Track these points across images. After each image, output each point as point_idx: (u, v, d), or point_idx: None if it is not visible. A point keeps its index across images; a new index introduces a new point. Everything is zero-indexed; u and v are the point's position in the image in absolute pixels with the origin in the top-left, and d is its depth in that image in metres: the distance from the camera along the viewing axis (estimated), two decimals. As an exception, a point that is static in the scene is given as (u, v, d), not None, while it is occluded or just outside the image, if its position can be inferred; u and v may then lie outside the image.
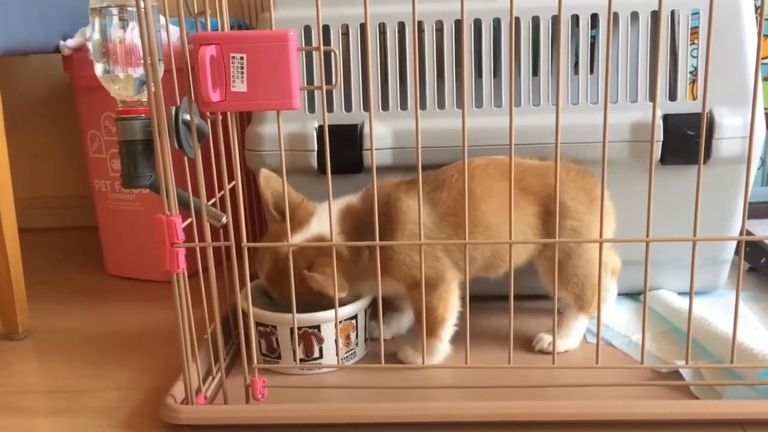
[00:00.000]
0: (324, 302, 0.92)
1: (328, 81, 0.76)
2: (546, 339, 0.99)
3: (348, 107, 1.06)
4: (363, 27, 1.03)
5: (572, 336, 1.00)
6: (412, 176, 0.92)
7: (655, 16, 1.00)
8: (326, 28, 1.03)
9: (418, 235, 0.85)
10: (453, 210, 0.93)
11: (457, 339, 0.95)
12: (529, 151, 1.00)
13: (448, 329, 0.95)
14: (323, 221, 0.91)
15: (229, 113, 0.76)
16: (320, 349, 0.96)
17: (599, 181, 0.79)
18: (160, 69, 0.76)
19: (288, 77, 0.73)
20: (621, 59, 1.03)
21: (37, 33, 1.29)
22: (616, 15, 1.02)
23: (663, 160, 1.02)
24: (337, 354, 0.93)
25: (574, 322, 1.00)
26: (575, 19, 1.02)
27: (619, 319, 1.10)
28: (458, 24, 1.03)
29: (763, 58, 1.50)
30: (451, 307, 0.95)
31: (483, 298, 0.99)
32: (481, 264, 0.97)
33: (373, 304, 0.99)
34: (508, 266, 0.93)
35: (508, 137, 0.76)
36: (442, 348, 0.96)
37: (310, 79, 1.06)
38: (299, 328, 0.93)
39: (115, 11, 0.83)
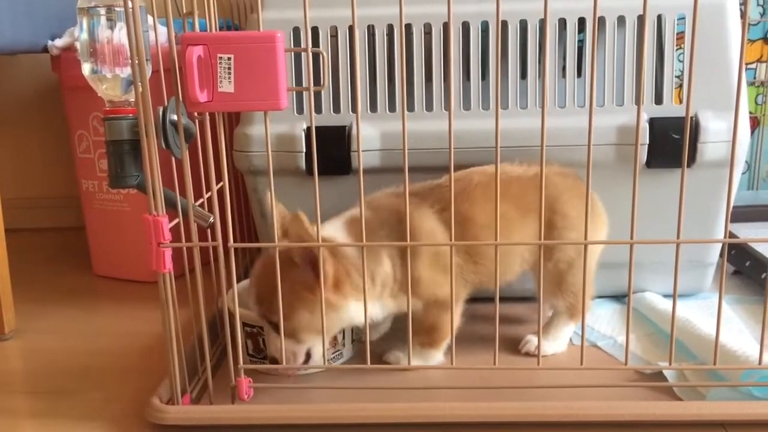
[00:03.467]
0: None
1: (317, 82, 0.76)
2: (534, 341, 1.00)
3: (336, 109, 1.06)
4: (351, 29, 1.03)
5: (560, 339, 1.01)
6: (413, 186, 0.92)
7: (641, 20, 1.01)
8: (315, 30, 1.03)
9: (439, 255, 0.87)
10: (462, 236, 0.90)
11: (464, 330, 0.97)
12: (516, 154, 1.00)
13: (448, 341, 0.94)
14: (332, 227, 0.90)
15: (216, 114, 0.76)
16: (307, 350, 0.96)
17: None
18: (148, 69, 0.76)
19: (275, 78, 0.73)
20: (608, 63, 1.04)
21: (25, 33, 1.28)
22: (602, 19, 1.03)
23: (648, 164, 1.03)
24: (323, 355, 0.93)
25: (564, 327, 1.00)
26: (563, 22, 1.03)
27: (604, 320, 1.10)
28: (446, 27, 1.04)
29: (747, 63, 1.51)
30: (456, 325, 0.93)
31: (470, 299, 0.99)
32: (486, 279, 0.95)
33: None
34: (507, 276, 0.96)
35: (495, 140, 0.77)
36: (439, 357, 0.96)
37: (299, 81, 1.06)
38: (286, 329, 0.93)
39: (102, 11, 0.83)
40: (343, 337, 0.98)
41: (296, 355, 0.88)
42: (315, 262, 0.82)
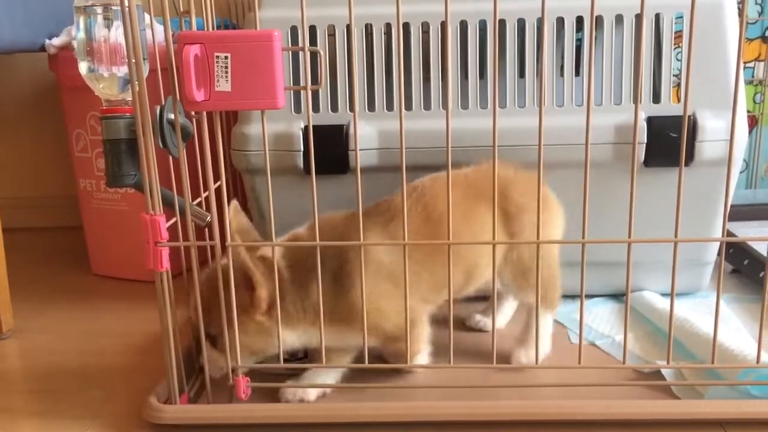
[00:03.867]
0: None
1: (314, 81, 0.76)
2: (520, 354, 0.95)
3: (334, 107, 1.06)
4: (349, 28, 1.03)
5: (544, 340, 0.95)
6: (367, 206, 0.88)
7: (639, 19, 1.01)
8: (313, 29, 1.03)
9: (382, 275, 0.83)
10: (424, 242, 0.86)
11: (440, 340, 0.95)
12: (514, 153, 1.00)
13: (425, 352, 0.92)
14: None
15: (214, 113, 0.76)
16: (305, 349, 0.96)
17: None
18: (145, 68, 0.76)
19: (272, 77, 0.73)
20: (605, 62, 1.04)
21: (23, 31, 1.28)
22: (600, 18, 1.03)
23: (646, 162, 1.03)
24: (322, 354, 0.92)
25: (544, 323, 0.95)
26: (560, 21, 1.03)
27: (602, 319, 1.10)
28: (444, 25, 1.04)
29: (745, 62, 1.51)
30: (424, 339, 0.90)
31: (468, 298, 0.99)
32: (456, 288, 0.90)
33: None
34: (480, 283, 0.93)
35: (492, 138, 0.77)
36: (423, 358, 0.92)
37: (296, 80, 1.06)
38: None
39: (99, 10, 0.83)
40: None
41: (224, 369, 0.86)
42: (251, 285, 0.81)
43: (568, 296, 1.00)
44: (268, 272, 0.81)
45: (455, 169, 0.94)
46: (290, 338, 0.86)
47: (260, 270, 0.81)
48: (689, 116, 1.00)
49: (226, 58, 0.72)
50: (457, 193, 0.85)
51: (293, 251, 0.86)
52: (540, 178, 0.78)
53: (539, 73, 1.02)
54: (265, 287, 0.81)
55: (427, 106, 1.05)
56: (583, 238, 0.79)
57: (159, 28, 1.16)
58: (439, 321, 0.93)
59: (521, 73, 1.06)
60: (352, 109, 1.04)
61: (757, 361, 0.83)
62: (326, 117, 1.05)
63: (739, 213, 1.32)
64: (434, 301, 0.91)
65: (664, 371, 0.90)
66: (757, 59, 1.54)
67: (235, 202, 0.87)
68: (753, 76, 1.55)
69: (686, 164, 0.77)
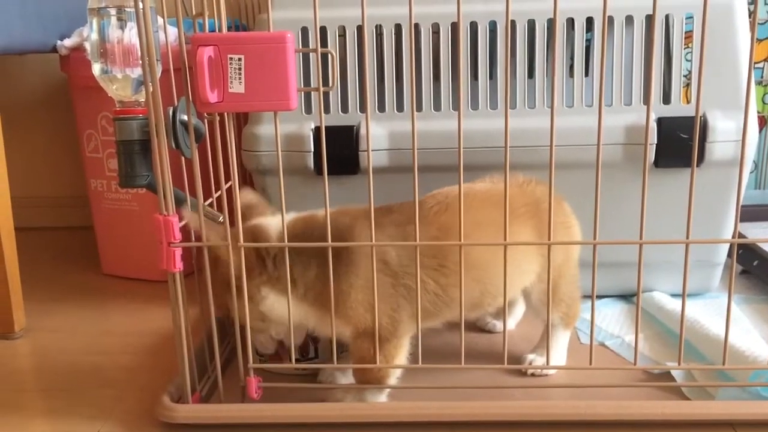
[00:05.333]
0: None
1: (325, 83, 0.77)
2: (535, 360, 0.95)
3: (344, 108, 1.06)
4: (360, 29, 1.03)
5: (559, 353, 0.96)
6: (390, 204, 0.88)
7: (650, 19, 1.01)
8: (323, 30, 1.04)
9: (383, 273, 0.80)
10: (430, 249, 0.83)
11: (450, 343, 0.96)
12: (524, 154, 1.00)
13: (389, 380, 0.86)
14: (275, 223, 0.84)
15: (226, 114, 0.77)
16: (316, 349, 0.96)
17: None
18: (158, 69, 0.77)
19: (285, 78, 0.73)
20: (616, 62, 1.04)
21: (35, 32, 1.29)
22: (611, 18, 1.03)
23: (657, 163, 1.03)
24: (332, 354, 0.93)
25: (560, 339, 0.96)
26: (570, 22, 1.03)
27: (612, 320, 1.11)
28: (454, 26, 1.04)
29: (755, 62, 1.51)
30: (399, 359, 0.84)
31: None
32: (468, 305, 0.86)
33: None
34: (500, 302, 0.89)
35: (503, 139, 0.77)
36: (380, 398, 0.86)
37: (307, 81, 1.07)
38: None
39: (113, 11, 0.83)
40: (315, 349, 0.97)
41: (267, 343, 0.87)
42: (215, 260, 0.81)
43: (578, 296, 1.00)
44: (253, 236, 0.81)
45: (466, 172, 0.93)
46: (280, 306, 0.82)
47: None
48: (700, 117, 1.00)
49: (239, 59, 0.72)
50: (491, 213, 0.84)
51: (306, 222, 0.84)
52: (552, 178, 0.78)
53: (550, 73, 1.02)
54: (230, 255, 0.79)
55: (437, 107, 1.05)
56: (595, 239, 0.80)
57: (171, 30, 1.17)
58: (449, 323, 0.92)
59: (530, 74, 1.06)
60: (363, 110, 1.05)
61: (768, 363, 0.83)
62: (336, 118, 1.06)
63: (748, 213, 1.31)
64: (430, 322, 0.87)
65: (674, 372, 0.90)
66: (766, 60, 1.54)
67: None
68: (762, 77, 1.55)
69: (697, 165, 0.77)
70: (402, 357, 0.85)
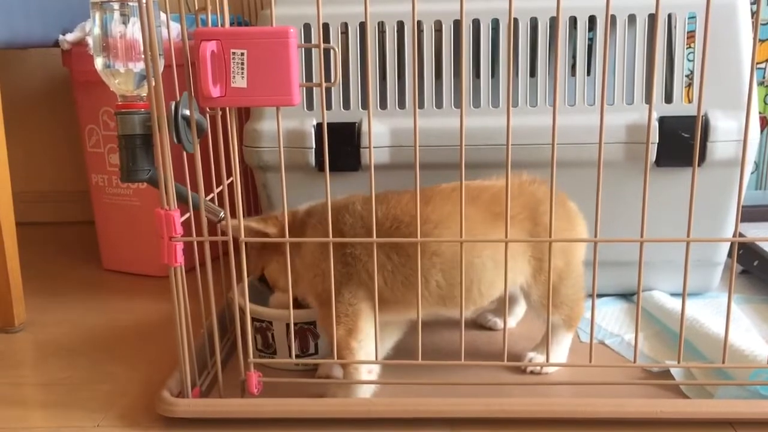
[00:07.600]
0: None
1: (327, 79, 0.77)
2: (536, 358, 0.95)
3: (346, 105, 1.07)
4: (363, 26, 1.03)
5: (560, 352, 0.96)
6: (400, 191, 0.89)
7: (652, 19, 1.01)
8: (325, 26, 1.04)
9: (311, 255, 0.87)
10: (387, 231, 0.84)
11: (450, 340, 0.96)
12: (525, 152, 1.00)
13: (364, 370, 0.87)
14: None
15: (228, 109, 0.77)
16: (316, 345, 0.96)
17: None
18: (161, 64, 0.77)
19: (288, 74, 0.73)
20: (618, 61, 1.04)
21: (37, 27, 1.29)
22: (613, 17, 1.03)
23: (658, 162, 1.03)
24: (333, 350, 0.93)
25: (563, 340, 0.96)
26: (573, 21, 1.03)
27: (611, 318, 1.11)
28: (457, 24, 1.04)
29: (757, 63, 1.51)
30: (363, 355, 0.85)
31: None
32: (435, 296, 0.86)
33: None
34: (484, 301, 0.89)
35: (505, 137, 0.77)
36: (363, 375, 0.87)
37: (309, 77, 1.07)
38: (295, 324, 0.94)
39: (116, 6, 0.83)
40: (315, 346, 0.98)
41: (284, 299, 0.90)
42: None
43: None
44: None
45: (468, 170, 0.93)
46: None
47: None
48: (701, 117, 1.00)
49: (242, 54, 0.72)
50: (468, 208, 0.83)
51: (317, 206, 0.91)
52: (553, 176, 0.78)
53: (552, 72, 1.02)
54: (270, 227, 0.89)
55: (439, 104, 1.05)
56: (596, 236, 0.80)
57: (173, 25, 1.17)
58: (449, 321, 0.92)
59: (533, 72, 1.06)
60: (365, 106, 1.05)
61: (768, 362, 0.84)
62: (338, 114, 1.06)
63: (748, 214, 1.32)
64: (390, 305, 0.87)
65: (673, 371, 0.90)
66: (768, 60, 1.54)
67: None
68: (764, 77, 1.55)
69: (698, 164, 0.77)
70: (366, 350, 0.86)
